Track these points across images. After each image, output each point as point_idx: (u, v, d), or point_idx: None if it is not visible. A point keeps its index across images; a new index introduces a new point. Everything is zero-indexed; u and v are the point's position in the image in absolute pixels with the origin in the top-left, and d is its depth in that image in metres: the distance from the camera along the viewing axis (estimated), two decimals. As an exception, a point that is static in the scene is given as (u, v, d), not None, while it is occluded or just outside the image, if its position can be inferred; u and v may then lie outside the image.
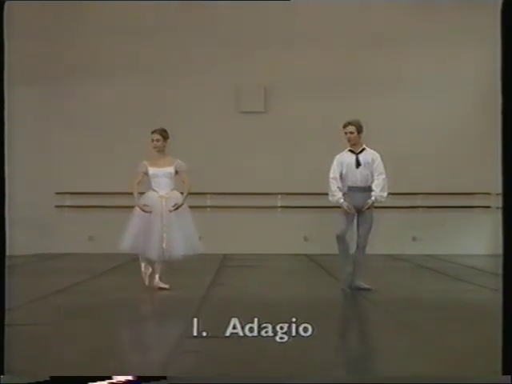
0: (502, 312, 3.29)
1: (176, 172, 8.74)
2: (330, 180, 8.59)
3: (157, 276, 8.60)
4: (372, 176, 8.53)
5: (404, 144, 14.13)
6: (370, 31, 14.42)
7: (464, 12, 14.32)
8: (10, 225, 13.89)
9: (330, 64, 14.49)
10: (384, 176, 8.53)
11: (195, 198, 13.64)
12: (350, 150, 8.62)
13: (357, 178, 8.54)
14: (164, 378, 3.97)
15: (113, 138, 14.33)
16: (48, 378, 3.89)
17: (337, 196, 8.49)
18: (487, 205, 14.75)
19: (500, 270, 11.51)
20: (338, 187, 8.52)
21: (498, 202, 14.57)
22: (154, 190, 8.72)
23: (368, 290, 8.47)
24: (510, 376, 3.37)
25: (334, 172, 8.57)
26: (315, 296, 8.47)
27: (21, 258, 13.01)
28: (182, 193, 8.74)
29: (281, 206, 14.88)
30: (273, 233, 14.50)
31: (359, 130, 8.54)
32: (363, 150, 8.61)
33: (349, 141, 8.56)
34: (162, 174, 8.69)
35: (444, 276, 10.67)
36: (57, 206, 14.73)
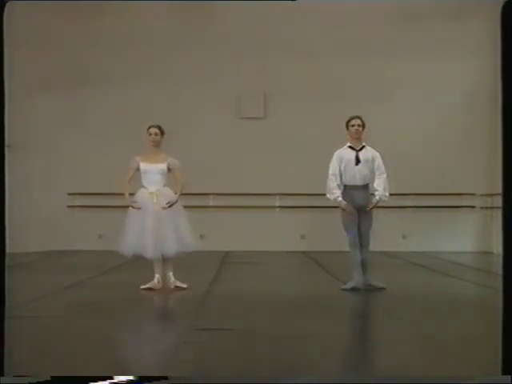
0: (502, 312, 3.23)
1: (169, 169, 8.25)
2: (330, 176, 7.99)
3: (170, 274, 8.26)
4: (371, 175, 8.03)
5: (395, 147, 14.07)
6: (368, 38, 14.32)
7: (457, 19, 14.31)
8: (25, 223, 13.99)
9: (327, 71, 14.43)
10: (385, 175, 8.03)
11: (198, 199, 13.69)
12: (350, 147, 8.08)
13: (355, 176, 8.00)
14: (165, 378, 3.83)
15: (120, 143, 14.27)
16: (49, 378, 3.76)
17: (335, 194, 7.95)
18: (472, 205, 14.75)
19: (485, 267, 11.47)
20: (337, 185, 7.95)
21: (482, 202, 14.62)
22: (144, 187, 8.23)
23: (383, 289, 8.00)
24: (509, 376, 3.30)
25: (333, 168, 7.99)
26: (312, 290, 8.44)
27: (35, 255, 13.04)
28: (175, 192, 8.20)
29: (279, 206, 14.85)
30: (272, 231, 14.47)
31: (364, 124, 8.05)
32: (363, 147, 8.09)
33: (355, 133, 7.99)
34: (153, 171, 8.19)
35: (433, 272, 10.65)
36: (69, 206, 14.72)
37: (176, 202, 8.14)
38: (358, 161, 8.02)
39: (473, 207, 14.75)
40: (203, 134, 14.48)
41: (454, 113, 14.51)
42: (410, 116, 14.56)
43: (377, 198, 8.03)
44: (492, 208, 14.30)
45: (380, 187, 8.02)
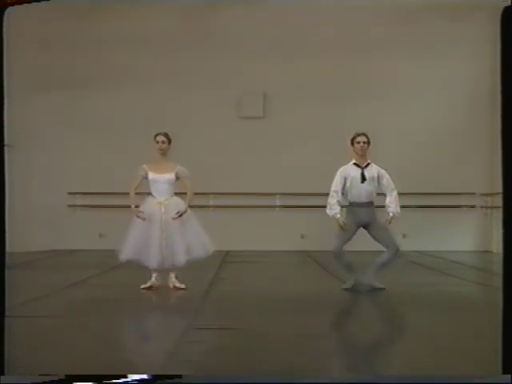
0: (502, 311, 3.23)
1: (177, 178, 8.20)
2: (331, 193, 7.95)
3: (173, 275, 8.20)
4: (376, 192, 8.02)
5: (395, 147, 14.07)
6: (367, 39, 14.30)
7: (455, 18, 14.30)
8: (26, 223, 13.99)
9: (326, 71, 14.41)
10: (396, 192, 8.00)
11: (199, 198, 13.62)
12: (355, 164, 8.00)
13: (361, 193, 7.94)
14: (179, 376, 3.82)
15: (121, 143, 14.29)
16: (57, 378, 3.74)
17: (334, 210, 7.87)
18: (472, 204, 14.75)
19: (485, 266, 11.47)
20: (337, 201, 7.90)
21: (482, 201, 14.62)
22: (152, 196, 8.15)
23: (382, 289, 7.98)
24: (509, 376, 3.30)
25: (336, 185, 7.94)
26: (312, 290, 8.43)
27: (37, 254, 13.04)
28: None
29: (279, 206, 14.85)
30: (272, 231, 14.47)
31: (369, 141, 7.97)
32: (368, 164, 8.02)
33: (361, 150, 7.91)
34: (161, 181, 8.12)
35: (433, 271, 10.65)
36: (69, 206, 14.72)
37: (185, 211, 8.07)
38: (363, 178, 7.96)
39: (473, 206, 14.76)
40: (203, 134, 14.46)
41: (454, 113, 14.49)
42: (410, 116, 14.54)
43: (391, 214, 8.01)
44: (492, 207, 14.30)
45: (393, 204, 8.01)
